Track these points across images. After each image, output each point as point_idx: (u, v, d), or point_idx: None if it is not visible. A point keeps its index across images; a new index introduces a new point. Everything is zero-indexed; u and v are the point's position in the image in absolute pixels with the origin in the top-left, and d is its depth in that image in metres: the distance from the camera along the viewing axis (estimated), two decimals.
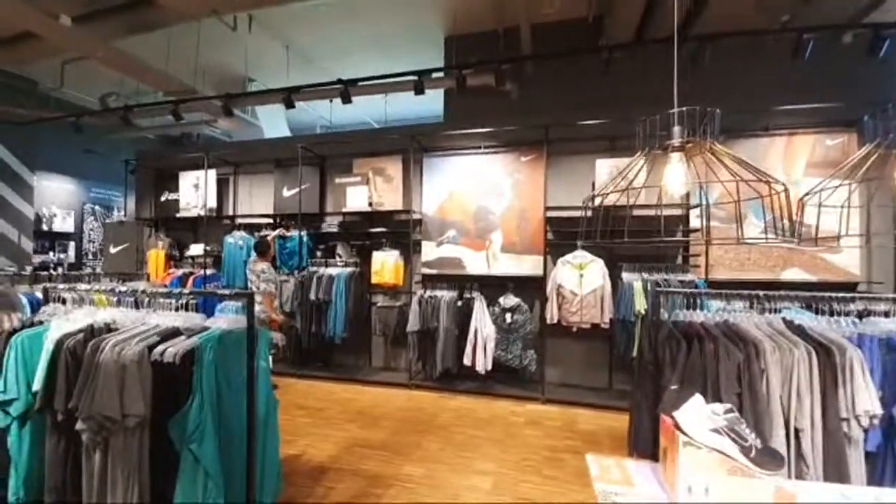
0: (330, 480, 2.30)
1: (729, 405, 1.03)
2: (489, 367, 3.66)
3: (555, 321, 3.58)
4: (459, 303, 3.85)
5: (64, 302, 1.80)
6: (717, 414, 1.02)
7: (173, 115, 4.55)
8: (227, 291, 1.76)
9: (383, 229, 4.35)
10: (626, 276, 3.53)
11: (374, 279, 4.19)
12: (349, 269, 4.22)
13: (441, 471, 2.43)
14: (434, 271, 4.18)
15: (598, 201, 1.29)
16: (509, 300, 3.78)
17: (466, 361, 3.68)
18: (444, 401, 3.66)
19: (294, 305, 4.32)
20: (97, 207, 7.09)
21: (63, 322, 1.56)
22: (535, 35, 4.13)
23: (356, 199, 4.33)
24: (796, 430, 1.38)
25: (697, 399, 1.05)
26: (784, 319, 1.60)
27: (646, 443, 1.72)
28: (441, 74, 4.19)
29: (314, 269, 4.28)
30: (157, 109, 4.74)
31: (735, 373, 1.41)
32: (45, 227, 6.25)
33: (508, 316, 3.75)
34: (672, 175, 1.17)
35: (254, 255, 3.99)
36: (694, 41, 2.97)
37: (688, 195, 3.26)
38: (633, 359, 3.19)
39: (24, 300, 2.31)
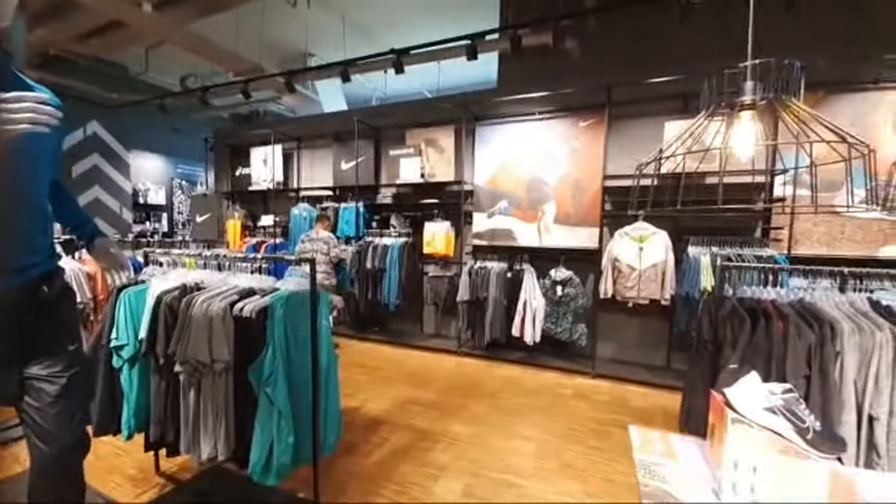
0: (385, 432, 2.51)
1: (788, 385, 0.96)
2: (538, 339, 3.67)
3: (608, 296, 3.46)
4: (509, 274, 3.85)
5: (161, 265, 2.09)
6: (774, 393, 0.96)
7: (243, 93, 4.87)
8: (293, 257, 1.93)
9: (435, 200, 4.41)
10: (692, 249, 3.29)
11: (426, 249, 4.30)
12: (402, 240, 4.36)
13: (486, 432, 2.54)
14: (484, 242, 4.20)
15: (650, 168, 1.20)
16: (560, 273, 3.71)
17: (515, 332, 3.72)
18: (492, 369, 3.76)
19: (352, 273, 4.60)
20: (183, 182, 7.91)
21: (161, 281, 1.82)
22: None
23: (409, 170, 4.41)
24: (870, 418, 1.26)
25: (753, 376, 1.00)
26: (870, 299, 1.42)
27: (697, 423, 1.66)
28: (496, 36, 4.01)
29: (370, 239, 4.49)
30: (228, 89, 5.10)
31: (805, 354, 1.30)
32: (140, 200, 7.13)
33: (559, 289, 3.69)
34: (740, 136, 1.05)
35: (316, 225, 4.26)
36: None
37: (773, 158, 2.90)
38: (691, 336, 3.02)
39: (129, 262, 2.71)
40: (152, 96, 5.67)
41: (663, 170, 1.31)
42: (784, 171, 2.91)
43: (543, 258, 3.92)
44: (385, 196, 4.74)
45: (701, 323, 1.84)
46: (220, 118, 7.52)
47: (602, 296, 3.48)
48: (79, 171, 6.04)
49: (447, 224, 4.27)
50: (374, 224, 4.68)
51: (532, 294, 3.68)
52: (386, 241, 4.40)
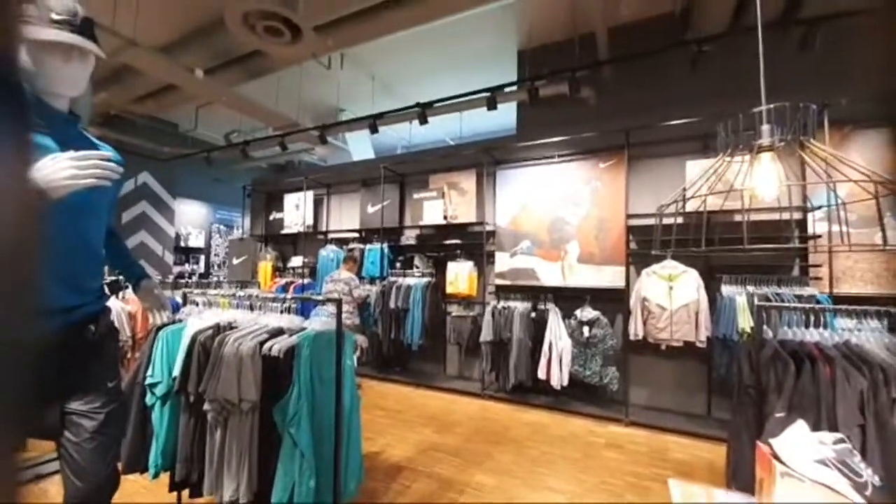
0: (406, 479, 2.41)
1: (840, 435, 0.89)
2: (565, 383, 3.52)
3: (639, 337, 3.33)
4: (533, 314, 3.79)
5: (196, 304, 2.20)
6: (825, 443, 0.89)
7: (280, 146, 5.27)
8: (320, 298, 1.99)
9: (458, 241, 4.48)
10: (726, 289, 3.16)
11: (449, 289, 4.32)
12: (426, 280, 4.41)
13: (513, 484, 2.40)
14: (507, 282, 4.18)
15: (673, 208, 1.21)
16: (587, 313, 3.62)
17: (541, 375, 3.59)
18: (518, 413, 3.60)
19: (375, 312, 4.63)
20: (221, 226, 8.40)
21: (197, 320, 1.91)
22: (613, 38, 3.98)
23: (432, 212, 4.54)
24: None
25: (800, 425, 0.93)
26: None
27: (745, 476, 1.53)
28: (514, 88, 4.24)
29: (394, 279, 4.56)
30: (268, 142, 5.53)
31: (857, 401, 1.20)
32: (182, 244, 7.58)
33: (586, 329, 3.58)
34: (762, 177, 1.06)
35: (341, 266, 4.38)
36: (802, 24, 2.61)
37: (804, 196, 2.83)
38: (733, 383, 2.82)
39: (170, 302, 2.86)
40: (199, 150, 6.20)
41: (688, 208, 1.32)
42: (815, 209, 2.82)
43: (568, 298, 3.85)
44: (409, 237, 4.86)
45: (741, 368, 1.74)
46: (259, 167, 8.08)
47: (632, 337, 3.35)
48: (128, 217, 6.54)
49: (470, 264, 4.30)
50: (398, 264, 4.77)
51: (557, 335, 3.58)
52: (409, 280, 4.45)
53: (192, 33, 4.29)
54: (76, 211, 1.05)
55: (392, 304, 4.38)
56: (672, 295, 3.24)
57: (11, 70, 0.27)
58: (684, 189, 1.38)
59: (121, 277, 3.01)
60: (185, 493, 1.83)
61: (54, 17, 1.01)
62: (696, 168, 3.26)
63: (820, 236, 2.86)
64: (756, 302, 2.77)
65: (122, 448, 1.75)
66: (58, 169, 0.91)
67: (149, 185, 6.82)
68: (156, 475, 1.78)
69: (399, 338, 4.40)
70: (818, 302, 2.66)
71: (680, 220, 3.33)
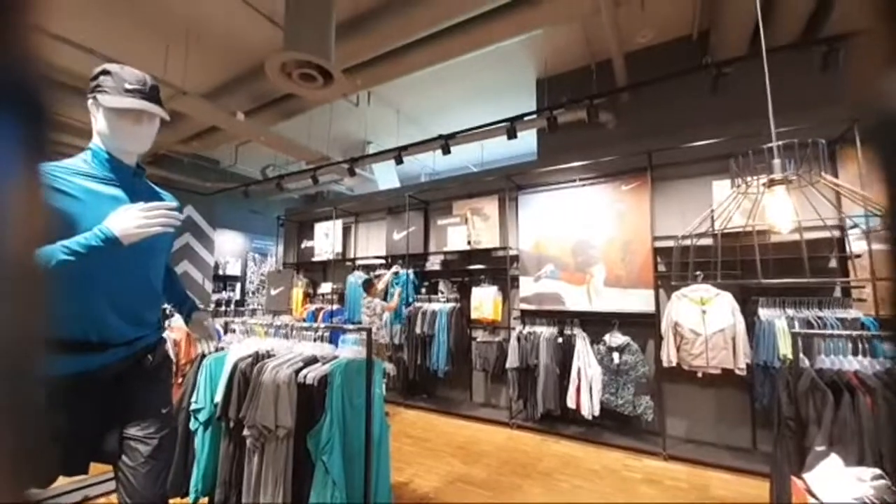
0: None
1: (878, 471, 0.86)
2: (596, 412, 3.41)
3: (673, 364, 3.21)
4: (560, 339, 3.73)
5: (235, 331, 2.34)
6: (863, 480, 0.86)
7: (312, 178, 5.58)
8: (352, 327, 2.08)
9: (481, 266, 4.52)
10: (763, 312, 3.03)
11: (474, 314, 4.33)
12: (450, 305, 4.45)
13: None
14: (532, 307, 4.15)
15: (697, 231, 1.22)
16: (616, 338, 3.53)
17: (570, 403, 3.49)
18: (547, 444, 3.50)
19: (402, 338, 4.69)
20: (256, 255, 8.81)
21: (238, 348, 2.03)
22: (629, 62, 4.06)
23: (456, 238, 4.63)
24: None
25: (834, 460, 0.91)
26: None
27: None
28: (533, 117, 4.35)
29: (419, 304, 4.62)
30: (301, 175, 5.87)
31: None
32: (220, 272, 7.99)
33: (616, 356, 3.49)
34: (776, 210, 1.06)
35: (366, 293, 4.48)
36: (823, 44, 2.59)
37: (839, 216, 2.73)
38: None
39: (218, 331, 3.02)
40: (238, 184, 6.63)
41: (716, 230, 1.32)
42: (853, 227, 2.70)
43: (595, 322, 3.78)
44: (433, 263, 4.95)
45: (780, 398, 1.67)
46: (291, 198, 8.51)
47: (665, 364, 3.23)
48: (174, 248, 7.00)
49: (494, 289, 4.32)
50: (423, 290, 4.85)
51: (586, 361, 3.50)
52: (435, 306, 4.50)
53: (234, 81, 4.71)
54: (140, 253, 1.18)
55: (418, 330, 4.43)
56: (706, 319, 3.13)
57: (27, 79, 0.25)
58: (711, 211, 1.38)
59: (166, 307, 3.23)
60: None
61: (127, 86, 1.19)
62: (722, 189, 3.21)
63: (859, 256, 2.72)
64: (796, 326, 2.67)
65: None
66: (130, 218, 1.05)
67: (192, 218, 7.31)
68: (196, 499, 1.86)
69: (425, 364, 4.41)
70: (862, 325, 2.51)
71: (709, 241, 3.27)
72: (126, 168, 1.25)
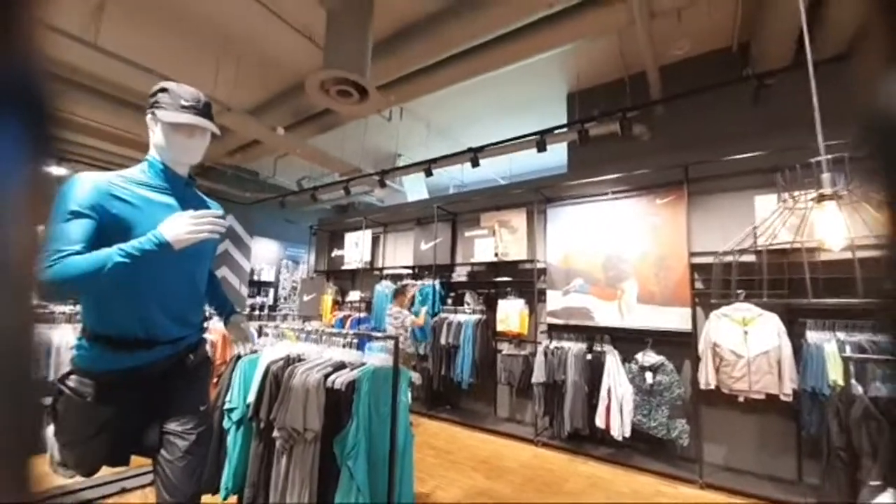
0: None
1: None
2: (627, 434, 3.27)
3: (711, 386, 3.04)
4: (589, 356, 3.63)
5: (267, 335, 2.43)
6: None
7: (344, 190, 5.76)
8: (379, 334, 2.12)
9: (508, 278, 4.49)
10: (812, 335, 2.83)
11: (500, 327, 4.29)
12: (476, 317, 4.42)
13: None
14: (560, 321, 4.07)
15: (730, 258, 1.17)
16: (649, 357, 3.39)
17: (599, 423, 3.37)
18: (574, 465, 3.38)
19: (427, 349, 4.70)
20: (290, 262, 9.14)
21: (271, 351, 2.11)
22: (665, 75, 3.98)
23: (483, 250, 4.62)
24: None
25: (891, 496, 0.84)
26: None
27: None
28: (564, 130, 4.33)
29: (444, 315, 4.63)
30: (334, 186, 6.07)
31: None
32: (255, 278, 8.33)
33: (649, 375, 3.35)
34: (826, 226, 1.01)
35: (393, 301, 4.54)
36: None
37: None
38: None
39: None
40: (276, 195, 6.95)
41: (760, 246, 1.26)
42: None
43: (627, 339, 3.65)
44: (460, 274, 4.96)
45: (829, 427, 1.56)
46: (324, 209, 8.81)
47: (703, 386, 3.06)
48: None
49: (521, 301, 4.26)
50: (449, 301, 4.85)
51: (617, 380, 3.38)
52: (460, 317, 4.49)
53: (275, 97, 4.97)
54: (188, 258, 1.26)
55: (443, 341, 4.42)
56: (748, 341, 2.96)
57: (30, 78, 0.24)
58: (754, 227, 1.33)
59: (207, 310, 3.40)
60: None
61: (183, 103, 1.29)
62: (765, 204, 3.06)
63: None
64: (847, 350, 2.47)
65: None
66: (181, 224, 1.13)
67: (232, 227, 7.69)
68: (226, 497, 1.93)
69: (449, 375, 4.39)
70: None
71: (752, 258, 3.11)
72: (179, 178, 1.35)
